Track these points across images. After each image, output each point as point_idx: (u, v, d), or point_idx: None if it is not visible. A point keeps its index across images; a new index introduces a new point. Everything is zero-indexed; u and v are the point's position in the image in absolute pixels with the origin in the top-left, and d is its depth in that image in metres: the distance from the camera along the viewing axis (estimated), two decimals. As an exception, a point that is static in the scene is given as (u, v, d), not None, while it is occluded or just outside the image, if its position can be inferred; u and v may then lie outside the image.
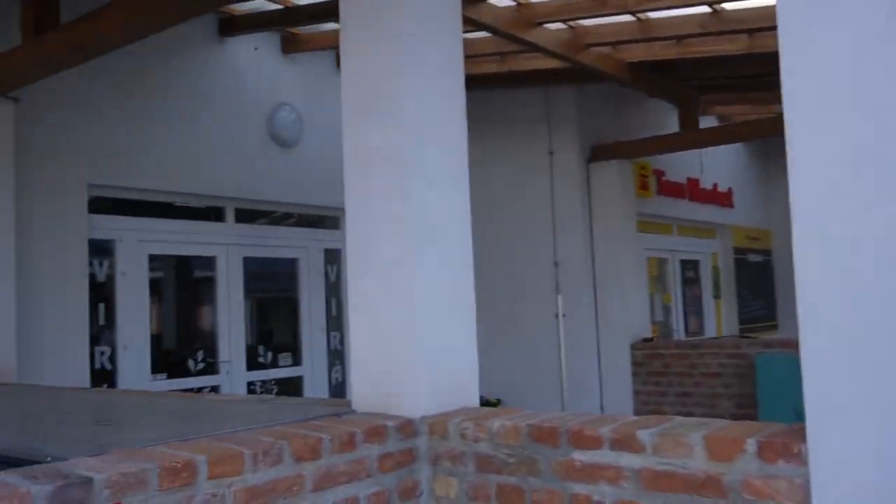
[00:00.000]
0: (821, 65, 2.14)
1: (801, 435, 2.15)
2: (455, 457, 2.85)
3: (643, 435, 2.43)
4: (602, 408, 8.59)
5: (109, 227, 6.73)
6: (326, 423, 2.82)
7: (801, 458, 2.14)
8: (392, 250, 3.10)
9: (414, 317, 3.03)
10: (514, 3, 6.57)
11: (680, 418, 2.62)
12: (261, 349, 7.76)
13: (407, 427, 2.90)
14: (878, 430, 2.01)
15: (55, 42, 5.07)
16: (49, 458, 2.44)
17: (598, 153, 9.19)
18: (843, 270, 2.09)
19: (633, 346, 8.53)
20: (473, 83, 9.53)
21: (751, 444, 2.23)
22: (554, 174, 9.11)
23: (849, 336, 2.07)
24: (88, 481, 2.02)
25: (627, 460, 2.46)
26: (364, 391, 3.14)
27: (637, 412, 8.34)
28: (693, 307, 11.19)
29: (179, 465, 2.24)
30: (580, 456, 2.55)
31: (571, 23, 7.02)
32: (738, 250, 12.35)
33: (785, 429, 2.30)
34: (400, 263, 3.07)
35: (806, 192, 2.15)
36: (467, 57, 8.24)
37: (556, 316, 8.33)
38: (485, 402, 9.06)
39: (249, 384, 7.56)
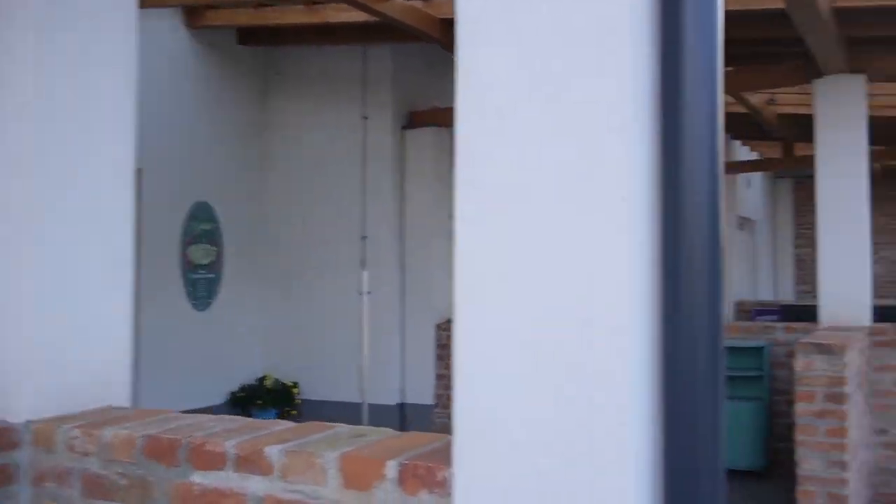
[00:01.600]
0: None
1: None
2: (61, 475, 2.13)
3: (272, 452, 1.79)
4: (403, 391, 8.04)
5: None
6: None
7: (445, 488, 1.56)
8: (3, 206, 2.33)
9: (21, 289, 2.27)
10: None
11: (340, 427, 2.00)
12: None
13: (-2, 436, 2.16)
14: (531, 454, 1.44)
15: None
16: None
17: (414, 120, 8.58)
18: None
19: (439, 327, 8.00)
20: (285, 37, 8.83)
21: (391, 469, 1.63)
22: (367, 141, 8.42)
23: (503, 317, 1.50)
24: None
25: (254, 485, 1.82)
26: (-36, 387, 2.36)
27: (438, 398, 7.83)
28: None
29: None
30: (200, 479, 1.89)
31: (367, -34, 6.29)
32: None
33: (443, 446, 1.72)
34: (8, 220, 2.31)
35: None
36: (271, 3, 7.51)
37: (360, 293, 7.67)
38: (282, 386, 8.40)
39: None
